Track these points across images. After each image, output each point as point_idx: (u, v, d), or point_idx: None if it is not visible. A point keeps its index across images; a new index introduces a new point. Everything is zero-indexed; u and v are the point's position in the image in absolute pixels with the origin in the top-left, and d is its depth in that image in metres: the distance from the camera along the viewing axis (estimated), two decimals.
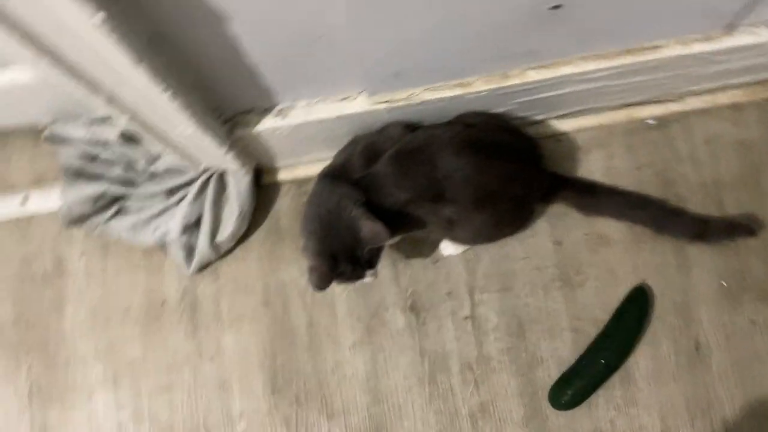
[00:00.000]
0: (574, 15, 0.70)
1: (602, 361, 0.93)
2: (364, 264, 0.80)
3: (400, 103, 0.84)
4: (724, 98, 1.00)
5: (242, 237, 1.02)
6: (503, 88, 0.84)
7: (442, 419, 0.95)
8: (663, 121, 1.01)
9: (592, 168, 1.00)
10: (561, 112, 0.98)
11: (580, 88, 0.88)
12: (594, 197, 0.97)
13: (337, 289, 1.00)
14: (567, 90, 0.88)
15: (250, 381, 0.99)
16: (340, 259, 0.78)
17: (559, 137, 1.02)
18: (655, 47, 0.82)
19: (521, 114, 0.95)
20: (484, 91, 0.83)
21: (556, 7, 0.68)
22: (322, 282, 0.77)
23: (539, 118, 0.99)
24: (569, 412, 0.94)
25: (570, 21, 0.71)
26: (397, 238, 0.89)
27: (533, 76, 0.83)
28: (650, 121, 1.01)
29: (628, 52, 0.82)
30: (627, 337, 0.94)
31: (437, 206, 0.84)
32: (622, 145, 1.01)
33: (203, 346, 1.00)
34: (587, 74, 0.84)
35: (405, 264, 1.00)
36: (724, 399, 0.92)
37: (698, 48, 0.82)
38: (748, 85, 0.99)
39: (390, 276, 1.00)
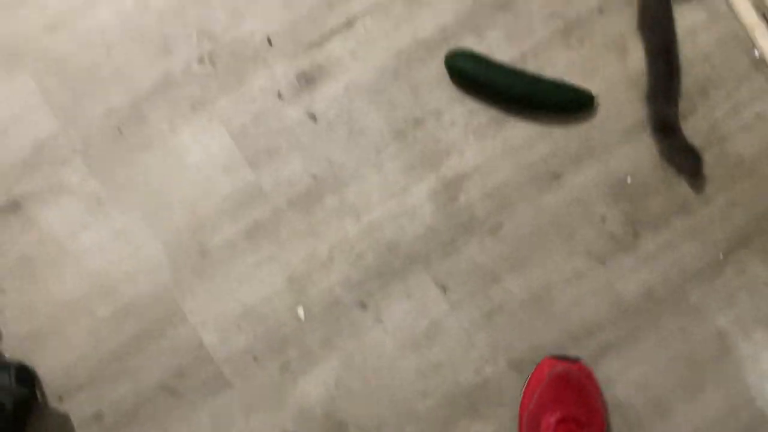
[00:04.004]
0: None
1: (512, 81, 0.90)
2: None
3: None
4: None
5: None
6: None
7: None
8: (761, 64, 0.95)
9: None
10: None
11: None
12: (662, 19, 0.92)
13: None
14: None
15: None
16: None
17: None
18: None
19: None
20: None
21: None
22: None
23: None
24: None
25: None
26: None
27: None
28: (756, 52, 0.94)
29: None
30: (543, 97, 0.91)
31: None
32: (722, 34, 0.95)
33: None
34: None
35: None
36: None
37: None
38: None
39: None
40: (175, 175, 0.89)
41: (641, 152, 0.94)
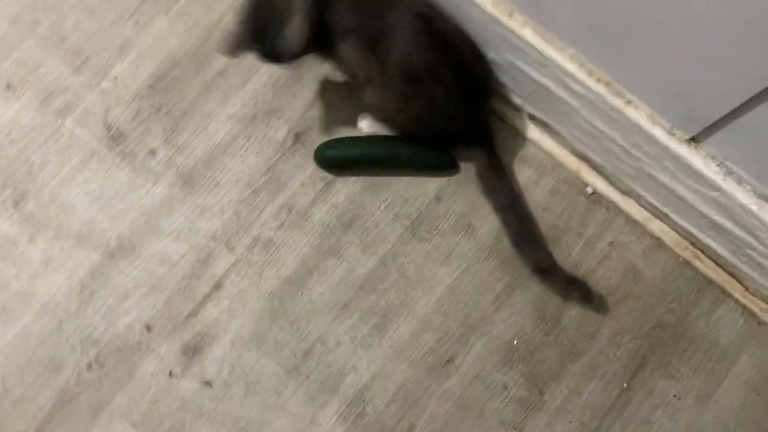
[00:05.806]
0: None
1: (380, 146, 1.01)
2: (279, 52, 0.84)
3: None
4: (655, 227, 1.00)
5: None
6: (498, 23, 0.86)
7: None
8: (597, 198, 1.02)
9: (514, 177, 1.02)
10: (532, 110, 1.00)
11: (557, 91, 0.90)
12: (497, 178, 0.98)
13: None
14: (546, 81, 0.90)
15: None
16: (262, 37, 0.83)
17: (516, 134, 1.03)
18: (628, 101, 0.83)
19: (503, 78, 0.97)
20: None
21: None
22: (231, 47, 0.85)
23: (516, 100, 1.00)
24: None
25: None
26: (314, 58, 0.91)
27: (527, 34, 0.85)
28: (588, 189, 1.02)
29: (605, 83, 0.83)
30: (413, 158, 1.01)
31: (368, 51, 0.87)
32: (552, 184, 1.02)
33: None
34: (567, 75, 0.85)
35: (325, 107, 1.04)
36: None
37: (658, 135, 0.83)
38: (682, 233, 0.99)
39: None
40: None
41: (517, 313, 0.98)
